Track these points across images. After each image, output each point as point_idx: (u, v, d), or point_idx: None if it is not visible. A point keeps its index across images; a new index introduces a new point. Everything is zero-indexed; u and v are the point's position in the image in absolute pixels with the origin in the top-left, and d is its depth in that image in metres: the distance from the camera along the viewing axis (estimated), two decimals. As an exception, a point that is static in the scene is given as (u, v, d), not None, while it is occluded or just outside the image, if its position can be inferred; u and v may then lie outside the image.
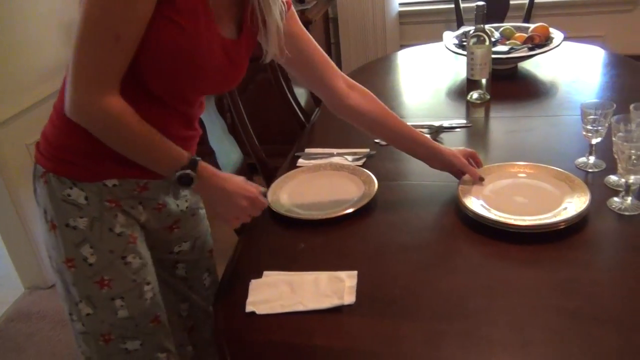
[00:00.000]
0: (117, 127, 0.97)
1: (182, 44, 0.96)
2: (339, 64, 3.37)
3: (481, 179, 1.30)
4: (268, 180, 1.45)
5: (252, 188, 1.10)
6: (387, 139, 1.39)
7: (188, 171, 1.02)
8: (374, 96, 1.30)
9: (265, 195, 1.14)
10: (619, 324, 0.92)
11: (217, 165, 1.52)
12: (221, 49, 1.04)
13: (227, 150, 1.60)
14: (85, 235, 1.04)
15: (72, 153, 1.04)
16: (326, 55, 1.26)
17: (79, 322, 1.09)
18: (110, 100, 0.94)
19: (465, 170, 1.30)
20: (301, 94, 2.09)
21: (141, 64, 0.96)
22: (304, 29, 1.21)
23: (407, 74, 2.26)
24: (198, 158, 1.04)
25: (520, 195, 1.27)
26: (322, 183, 1.42)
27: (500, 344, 0.91)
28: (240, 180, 1.10)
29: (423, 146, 1.31)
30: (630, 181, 1.19)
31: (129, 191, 1.09)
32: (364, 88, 1.31)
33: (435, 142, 1.32)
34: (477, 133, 1.66)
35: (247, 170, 1.68)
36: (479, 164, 1.34)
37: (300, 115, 1.98)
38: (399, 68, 2.37)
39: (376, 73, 2.26)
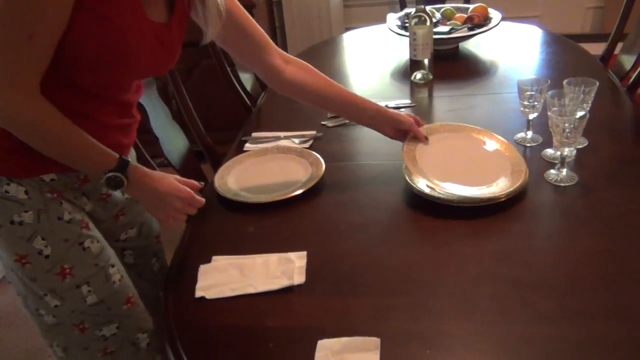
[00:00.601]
0: (34, 131, 0.94)
1: (109, 35, 0.93)
2: (284, 48, 3.35)
3: (426, 138, 1.31)
4: (216, 167, 1.44)
5: (185, 188, 1.08)
6: (331, 109, 1.39)
7: (117, 174, 1.00)
8: (313, 68, 1.30)
9: (204, 185, 1.14)
10: (555, 289, 0.97)
11: (162, 154, 1.50)
12: (152, 34, 1.01)
13: (172, 137, 1.57)
14: (34, 229, 1.01)
15: (3, 150, 1.00)
16: (262, 31, 1.26)
17: (49, 315, 1.06)
18: (26, 103, 0.91)
19: (411, 130, 1.31)
20: (247, 79, 2.07)
21: (67, 58, 0.93)
22: (239, 4, 1.20)
23: (352, 56, 2.28)
24: (128, 159, 1.02)
25: (463, 172, 1.30)
26: (270, 166, 1.42)
27: (447, 313, 0.94)
28: (172, 180, 1.08)
29: (369, 110, 1.31)
30: (565, 153, 1.24)
31: (69, 184, 1.06)
32: (302, 61, 1.30)
33: (380, 105, 1.32)
34: (421, 112, 1.69)
35: (193, 157, 1.66)
36: (420, 125, 1.35)
37: (246, 100, 1.97)
38: (344, 50, 2.38)
39: (321, 56, 2.27)
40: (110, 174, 0.99)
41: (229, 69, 1.96)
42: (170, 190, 1.06)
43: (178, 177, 1.10)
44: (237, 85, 1.96)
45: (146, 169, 1.05)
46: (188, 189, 1.08)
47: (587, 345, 0.85)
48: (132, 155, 1.23)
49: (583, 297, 0.94)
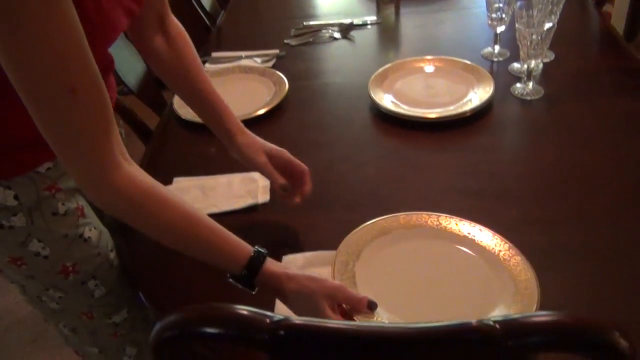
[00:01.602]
0: (154, 213, 0.74)
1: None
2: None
3: (283, 188, 0.96)
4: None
5: (330, 282, 0.78)
6: (186, 101, 1.06)
7: (248, 273, 0.77)
8: (190, 43, 1.02)
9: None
10: (519, 199, 0.97)
11: (117, 76, 1.42)
12: None
13: (127, 58, 1.49)
14: (28, 231, 0.86)
15: None
16: None
17: (52, 302, 0.94)
18: (132, 173, 0.72)
19: (266, 175, 0.98)
20: (206, -3, 1.96)
21: None
22: None
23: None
24: (262, 251, 0.78)
25: (429, 89, 1.28)
26: (231, 87, 1.37)
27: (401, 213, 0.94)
28: (313, 275, 0.78)
29: (223, 124, 1.00)
30: (532, 66, 1.22)
31: (62, 169, 0.89)
32: (182, 31, 1.01)
33: (243, 129, 1.01)
34: (387, 29, 1.64)
35: (153, 83, 1.59)
36: (305, 185, 0.96)
37: (205, 19, 1.87)
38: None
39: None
40: (244, 273, 0.77)
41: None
42: (317, 290, 0.76)
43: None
44: (194, 3, 1.86)
45: (280, 268, 0.79)
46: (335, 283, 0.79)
47: (549, 251, 0.86)
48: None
49: (546, 206, 0.95)
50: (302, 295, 0.75)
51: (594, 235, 0.89)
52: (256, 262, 0.77)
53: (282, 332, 0.46)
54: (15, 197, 0.84)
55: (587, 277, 0.82)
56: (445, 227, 0.88)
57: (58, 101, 0.64)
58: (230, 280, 0.79)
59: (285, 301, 0.78)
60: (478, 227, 0.87)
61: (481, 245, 0.85)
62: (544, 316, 0.44)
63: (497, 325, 0.43)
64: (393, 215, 0.91)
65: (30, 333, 1.84)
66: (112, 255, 0.97)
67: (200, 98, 1.00)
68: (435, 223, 0.89)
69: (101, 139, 0.68)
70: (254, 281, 0.77)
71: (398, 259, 0.85)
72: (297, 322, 0.47)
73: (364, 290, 0.79)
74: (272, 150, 0.99)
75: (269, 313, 0.48)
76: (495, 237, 0.85)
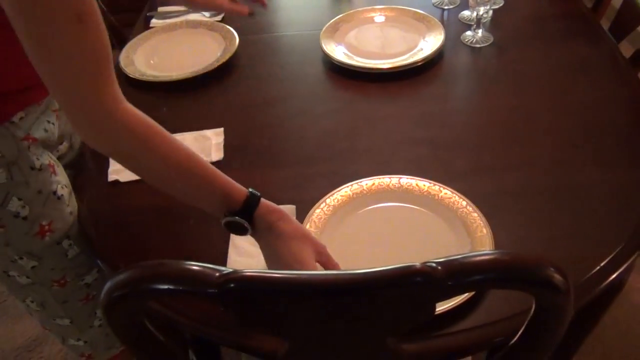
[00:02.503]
0: (155, 141, 0.73)
1: None
2: None
3: (251, 14, 1.22)
4: (122, 47, 1.33)
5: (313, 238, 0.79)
6: None
7: (242, 220, 0.76)
8: None
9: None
10: (469, 147, 0.99)
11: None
12: None
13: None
14: (7, 189, 0.85)
15: None
16: None
17: (22, 276, 0.94)
18: (129, 107, 0.72)
19: (224, 9, 1.21)
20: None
21: None
22: None
23: None
24: (258, 193, 0.78)
25: (380, 39, 1.27)
26: (179, 42, 1.33)
27: (365, 177, 0.95)
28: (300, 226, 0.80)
29: None
30: (481, 13, 1.22)
31: (33, 118, 0.89)
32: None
33: None
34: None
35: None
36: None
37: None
38: None
39: None
40: (237, 219, 0.76)
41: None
42: (303, 239, 0.77)
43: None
44: (138, -43, 1.78)
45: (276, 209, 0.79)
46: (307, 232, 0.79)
47: (498, 195, 0.89)
48: None
49: (494, 153, 0.97)
50: (295, 239, 0.75)
51: (539, 178, 0.92)
52: (255, 196, 0.77)
53: (231, 285, 0.47)
54: None
55: (534, 218, 0.86)
56: (407, 188, 0.89)
57: (67, 29, 0.63)
58: (226, 220, 0.76)
59: (275, 241, 0.76)
60: (438, 185, 0.88)
61: (441, 204, 0.86)
62: (482, 256, 0.46)
63: (439, 267, 0.45)
64: (357, 182, 0.91)
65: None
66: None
67: None
68: (396, 185, 0.90)
69: (107, 69, 0.68)
70: (253, 215, 0.76)
71: (361, 226, 0.86)
72: (246, 274, 0.48)
73: None
74: None
75: (218, 267, 0.48)
76: (454, 194, 0.87)
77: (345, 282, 0.48)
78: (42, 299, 0.99)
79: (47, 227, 0.90)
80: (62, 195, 0.92)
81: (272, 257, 0.78)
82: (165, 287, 0.48)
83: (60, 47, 0.64)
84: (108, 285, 0.49)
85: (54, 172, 0.92)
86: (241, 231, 0.78)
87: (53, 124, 0.94)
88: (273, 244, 0.76)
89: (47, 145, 0.94)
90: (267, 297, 0.49)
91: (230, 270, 0.47)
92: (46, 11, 0.61)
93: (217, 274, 0.47)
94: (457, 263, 0.44)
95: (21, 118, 0.87)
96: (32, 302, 0.99)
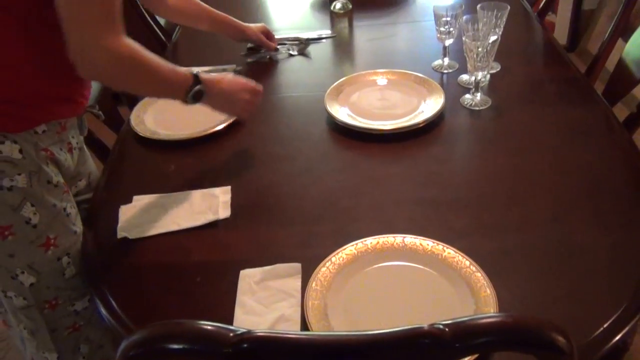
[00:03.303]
0: (133, 65, 0.96)
1: None
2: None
3: (276, 49, 1.56)
4: (133, 108, 1.38)
5: (242, 79, 1.17)
6: (204, 28, 1.54)
7: (199, 87, 1.04)
8: None
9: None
10: (469, 206, 1.02)
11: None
12: None
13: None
14: (25, 194, 0.94)
15: (0, 103, 0.92)
16: None
17: (19, 297, 1.00)
18: (123, 39, 0.93)
19: (258, 43, 1.55)
20: (160, 13, 1.97)
21: None
22: None
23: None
24: (196, 71, 1.06)
25: (383, 101, 1.32)
26: (189, 103, 1.38)
27: (368, 236, 0.97)
28: (231, 77, 1.15)
29: (230, 26, 1.51)
30: (479, 78, 1.28)
31: (52, 135, 1.01)
32: None
33: (234, 21, 1.51)
34: (341, 43, 1.68)
35: (110, 98, 1.58)
36: (271, 39, 1.57)
37: (161, 36, 1.88)
38: (262, -18, 2.30)
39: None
40: (196, 89, 1.04)
41: (140, 4, 1.85)
42: (236, 87, 1.14)
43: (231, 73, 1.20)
44: (150, 20, 1.87)
45: (210, 75, 1.09)
46: (243, 79, 1.17)
47: (500, 255, 0.91)
48: None
49: (495, 213, 1.00)
50: (226, 84, 1.12)
51: (539, 238, 0.94)
52: (197, 75, 1.05)
53: (245, 345, 0.48)
54: (20, 152, 0.94)
55: (537, 279, 0.87)
56: (411, 247, 0.91)
57: None
58: (193, 92, 1.04)
59: (219, 85, 1.10)
60: (442, 245, 0.90)
61: (444, 264, 0.88)
62: (489, 318, 0.47)
63: (447, 329, 0.46)
64: (361, 241, 0.93)
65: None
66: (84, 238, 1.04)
67: (210, 19, 1.48)
68: (401, 244, 0.92)
69: (118, 4, 0.90)
70: (203, 90, 1.05)
71: (366, 284, 0.87)
72: (260, 334, 0.49)
73: (335, 319, 0.81)
74: (259, 27, 1.56)
75: (232, 327, 0.50)
76: (458, 254, 0.89)
77: (355, 344, 0.49)
78: (34, 326, 1.03)
79: (52, 241, 0.98)
80: (70, 213, 1.02)
81: (220, 97, 1.11)
82: (181, 346, 0.49)
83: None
84: (124, 344, 0.50)
85: (67, 192, 1.03)
86: (200, 98, 1.06)
87: (68, 155, 1.06)
88: (217, 92, 1.09)
89: (64, 171, 1.05)
90: (279, 357, 0.50)
91: (244, 330, 0.49)
92: None
93: (232, 334, 0.49)
94: (464, 325, 0.46)
95: (44, 131, 0.99)
96: (25, 329, 1.04)
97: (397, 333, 0.47)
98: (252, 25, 1.55)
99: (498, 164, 1.12)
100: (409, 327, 0.47)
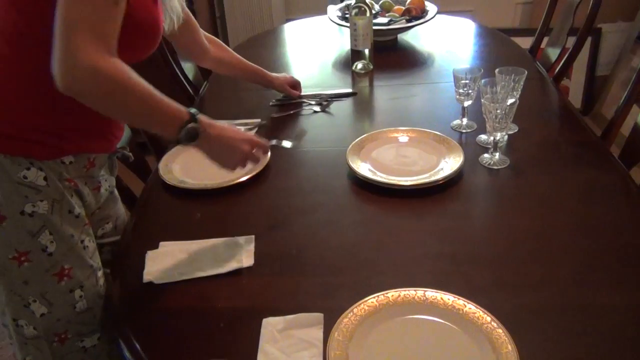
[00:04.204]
0: (115, 89, 0.89)
1: (149, 9, 0.99)
2: (225, 39, 3.33)
3: (299, 97, 1.68)
4: (160, 158, 1.43)
5: (247, 133, 1.16)
6: (237, 77, 1.67)
7: (194, 125, 0.98)
8: (222, 43, 1.58)
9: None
10: (489, 263, 1.03)
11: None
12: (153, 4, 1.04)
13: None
14: (44, 221, 0.96)
15: (31, 130, 0.96)
16: (190, 13, 1.36)
17: (29, 326, 1.01)
18: (109, 59, 0.87)
19: (283, 90, 1.67)
20: (189, 68, 2.05)
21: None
22: None
23: (293, 47, 2.30)
24: (195, 110, 1.00)
25: (403, 158, 1.36)
26: (215, 154, 1.42)
27: (389, 289, 0.98)
28: (233, 126, 1.12)
29: (260, 76, 1.63)
30: (497, 138, 1.31)
31: (80, 169, 1.04)
32: (215, 38, 1.55)
33: (263, 71, 1.63)
34: (362, 101, 1.74)
35: (136, 149, 1.64)
36: (296, 87, 1.70)
37: (189, 89, 1.95)
38: (286, 41, 2.40)
39: (263, 46, 2.28)
40: (190, 126, 0.97)
41: (170, 57, 1.94)
42: (237, 135, 1.09)
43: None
44: (179, 74, 1.95)
45: (209, 119, 1.04)
46: (250, 133, 1.18)
47: (519, 312, 0.92)
48: None
49: (514, 271, 1.01)
50: (229, 128, 1.08)
51: (559, 297, 0.95)
52: (195, 115, 0.99)
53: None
54: (45, 179, 0.96)
55: (558, 338, 0.88)
56: (432, 301, 0.92)
57: (106, 5, 0.85)
58: (180, 137, 0.98)
59: (217, 131, 1.04)
60: (462, 300, 0.92)
61: (465, 319, 0.89)
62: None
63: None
64: (383, 293, 0.94)
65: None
66: (100, 273, 1.06)
67: (244, 69, 1.61)
68: (422, 298, 0.93)
69: (114, 27, 0.88)
70: (198, 128, 0.99)
71: (388, 336, 0.88)
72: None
73: None
74: (287, 79, 1.68)
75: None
76: (478, 309, 0.90)
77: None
78: (42, 359, 1.02)
79: (67, 271, 0.99)
80: (87, 247, 1.02)
81: (217, 142, 1.05)
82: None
83: (90, 14, 0.84)
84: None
85: (88, 224, 1.05)
86: (194, 138, 0.99)
87: (91, 193, 1.09)
88: (215, 136, 1.03)
89: (86, 205, 1.06)
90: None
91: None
92: None
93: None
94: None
95: (70, 162, 1.01)
96: None
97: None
98: (279, 75, 1.67)
99: (517, 223, 1.14)
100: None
